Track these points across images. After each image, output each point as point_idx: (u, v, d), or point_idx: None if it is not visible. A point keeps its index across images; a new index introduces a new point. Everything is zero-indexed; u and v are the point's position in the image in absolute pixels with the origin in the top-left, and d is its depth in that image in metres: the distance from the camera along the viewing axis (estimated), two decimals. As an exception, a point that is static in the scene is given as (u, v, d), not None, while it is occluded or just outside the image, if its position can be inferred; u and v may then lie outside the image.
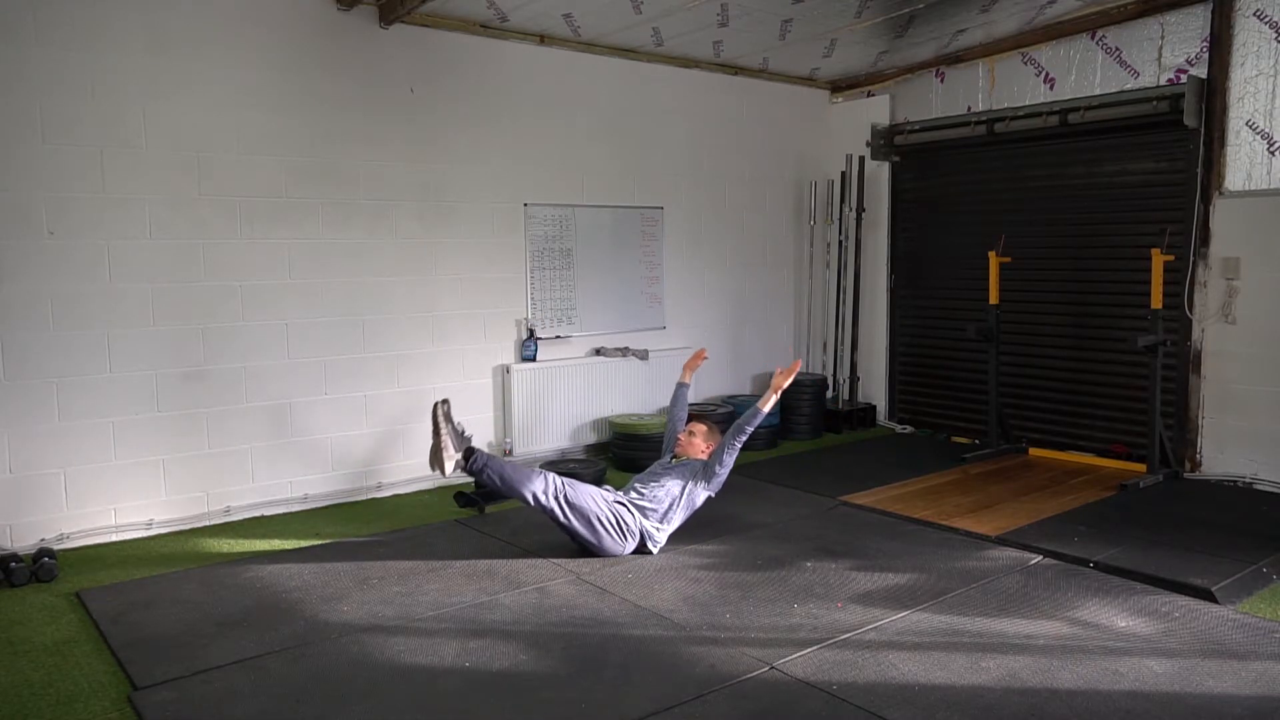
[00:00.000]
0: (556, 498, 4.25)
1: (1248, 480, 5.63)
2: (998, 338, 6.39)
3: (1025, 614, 3.71)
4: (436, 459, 4.28)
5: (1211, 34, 5.66)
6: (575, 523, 4.27)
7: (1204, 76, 5.70)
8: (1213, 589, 3.87)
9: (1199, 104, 5.70)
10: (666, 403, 6.73)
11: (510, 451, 6.09)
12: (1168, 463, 5.73)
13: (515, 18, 5.71)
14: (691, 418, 5.03)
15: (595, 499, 4.31)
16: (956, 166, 7.17)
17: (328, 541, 4.72)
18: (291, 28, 5.15)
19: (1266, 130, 5.51)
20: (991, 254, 6.37)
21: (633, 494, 4.46)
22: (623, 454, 6.20)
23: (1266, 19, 5.46)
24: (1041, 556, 4.38)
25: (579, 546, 4.40)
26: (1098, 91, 6.20)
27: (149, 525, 4.84)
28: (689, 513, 4.55)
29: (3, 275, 4.42)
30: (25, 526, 4.53)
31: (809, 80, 7.64)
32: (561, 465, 5.85)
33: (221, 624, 3.63)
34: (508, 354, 6.14)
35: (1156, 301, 5.57)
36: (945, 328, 7.26)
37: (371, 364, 5.56)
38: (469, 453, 4.31)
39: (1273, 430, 5.54)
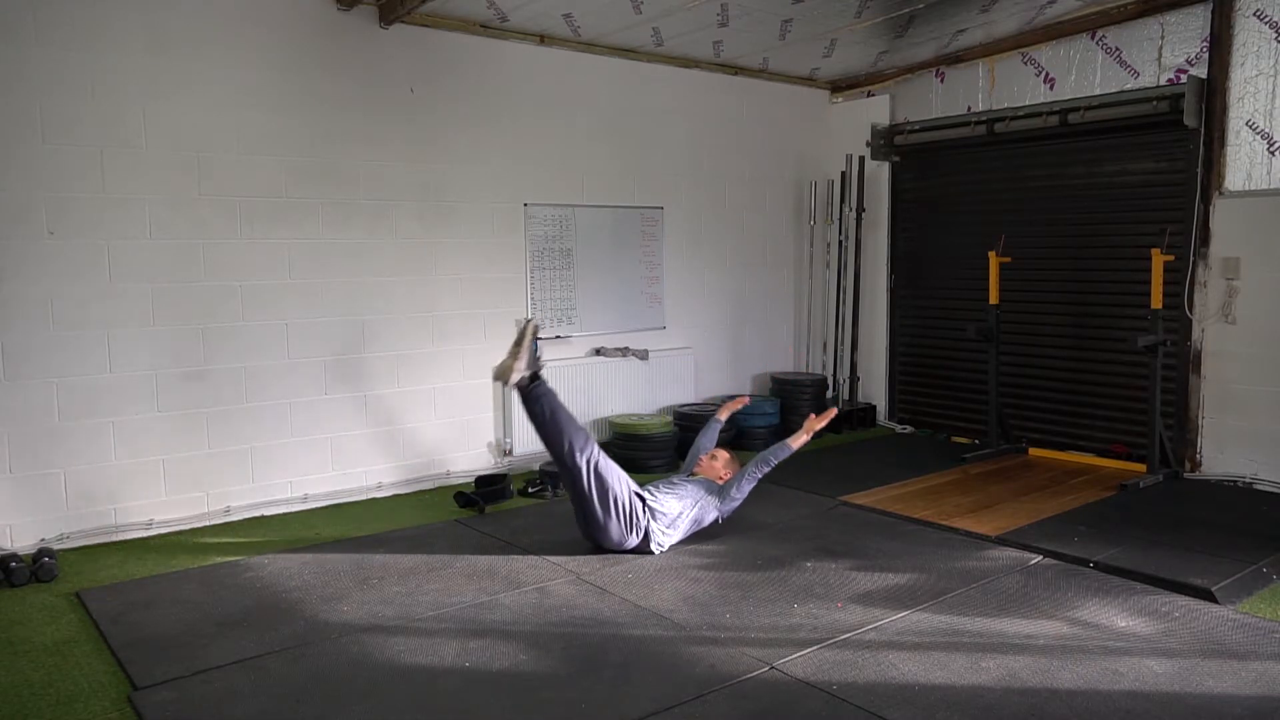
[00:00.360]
0: (589, 461, 4.26)
1: (1248, 480, 5.63)
2: (998, 338, 6.39)
3: (1025, 614, 3.71)
4: (505, 370, 4.30)
5: (1211, 34, 5.66)
6: (594, 495, 4.26)
7: (1204, 76, 5.70)
8: (1213, 589, 3.87)
9: (1199, 104, 5.70)
10: (667, 403, 6.79)
11: (510, 451, 6.10)
12: (1168, 463, 5.73)
13: (515, 18, 5.71)
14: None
15: (621, 481, 4.33)
16: (956, 166, 7.17)
17: (328, 541, 4.72)
18: (291, 28, 5.15)
19: (1266, 130, 5.51)
20: (991, 254, 6.37)
21: (648, 495, 4.48)
22: (623, 454, 6.18)
23: (1266, 19, 5.46)
24: (1041, 556, 4.38)
25: (580, 524, 4.40)
26: (1098, 91, 6.20)
27: (149, 525, 4.84)
28: (695, 528, 4.58)
29: (3, 275, 4.42)
30: (25, 526, 4.53)
31: (809, 80, 7.64)
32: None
33: (221, 624, 3.63)
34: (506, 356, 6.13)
35: (1156, 301, 5.57)
36: (945, 328, 7.26)
37: (371, 364, 5.56)
38: (535, 376, 4.35)
39: (1273, 430, 5.54)
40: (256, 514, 5.17)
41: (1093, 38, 6.22)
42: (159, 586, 4.06)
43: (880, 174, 7.55)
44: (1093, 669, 3.23)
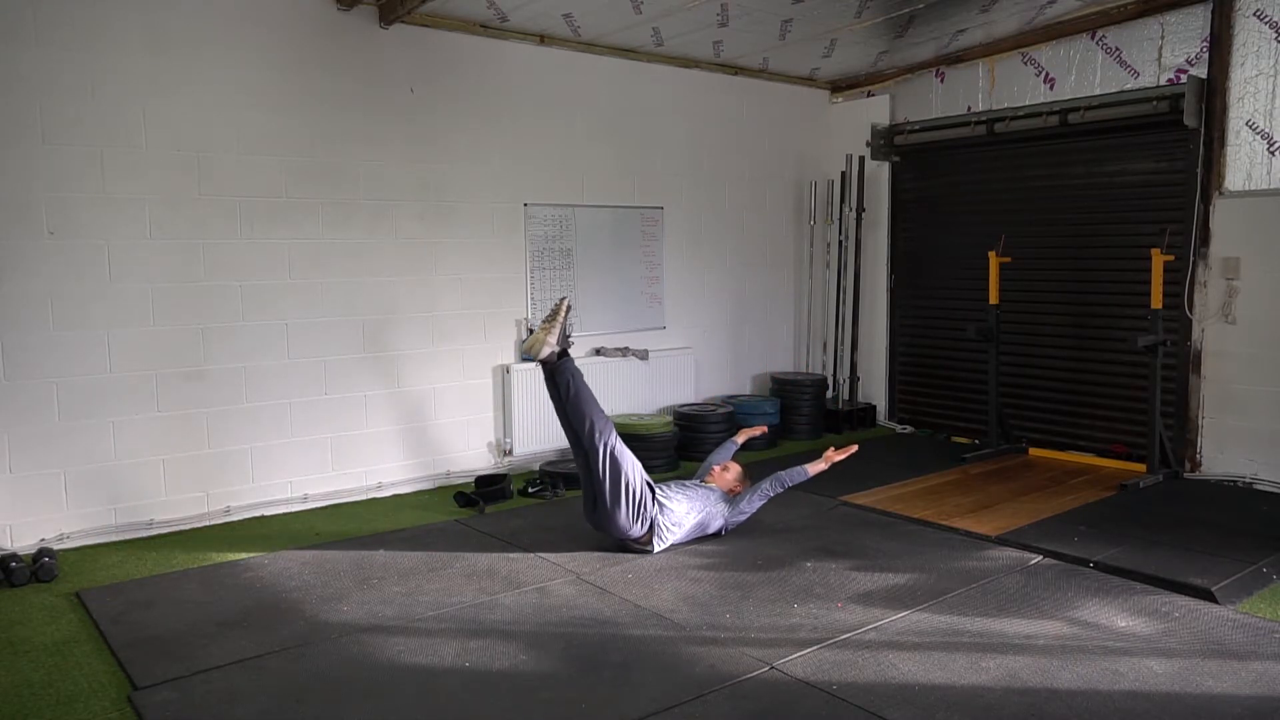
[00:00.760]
0: (607, 444, 4.28)
1: (1248, 480, 5.63)
2: (998, 338, 6.39)
3: (1025, 614, 3.71)
4: (536, 343, 4.33)
5: (1211, 34, 5.66)
6: (607, 478, 4.27)
7: (1204, 76, 5.70)
8: (1213, 589, 3.87)
9: (1199, 104, 5.70)
10: (667, 403, 6.80)
11: (510, 451, 6.10)
12: (1168, 463, 5.73)
13: (515, 18, 5.71)
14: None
15: (635, 468, 4.34)
16: (956, 166, 7.17)
17: (328, 541, 4.72)
18: (291, 28, 5.15)
19: (1266, 130, 5.51)
20: (991, 254, 6.37)
21: (660, 488, 4.49)
22: (623, 454, 6.19)
23: (1266, 19, 5.46)
24: (1041, 556, 4.38)
25: (587, 510, 4.41)
26: (1098, 91, 6.20)
27: (149, 525, 4.84)
28: (699, 532, 4.59)
29: (3, 275, 4.42)
30: (25, 526, 4.53)
31: (809, 80, 7.64)
32: (562, 465, 5.86)
33: (221, 624, 3.63)
34: (508, 354, 6.14)
35: (1156, 301, 5.57)
36: (945, 328, 7.26)
37: (371, 364, 5.56)
38: (564, 353, 4.38)
39: (1273, 430, 5.54)
40: (256, 514, 5.17)
41: (1093, 38, 6.22)
42: (159, 586, 4.06)
43: (880, 174, 7.55)
44: (1093, 669, 3.23)
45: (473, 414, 6.00)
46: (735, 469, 4.91)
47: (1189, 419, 5.87)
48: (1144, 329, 5.64)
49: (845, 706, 2.97)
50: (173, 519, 4.92)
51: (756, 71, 7.26)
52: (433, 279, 5.77)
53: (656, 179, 6.83)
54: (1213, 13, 5.64)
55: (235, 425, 5.10)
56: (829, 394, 7.61)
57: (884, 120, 7.43)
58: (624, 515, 4.32)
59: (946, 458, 6.36)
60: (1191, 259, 5.77)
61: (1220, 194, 5.70)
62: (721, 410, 6.64)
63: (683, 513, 4.46)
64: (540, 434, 6.22)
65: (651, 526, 4.38)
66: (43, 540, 4.55)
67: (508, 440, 6.11)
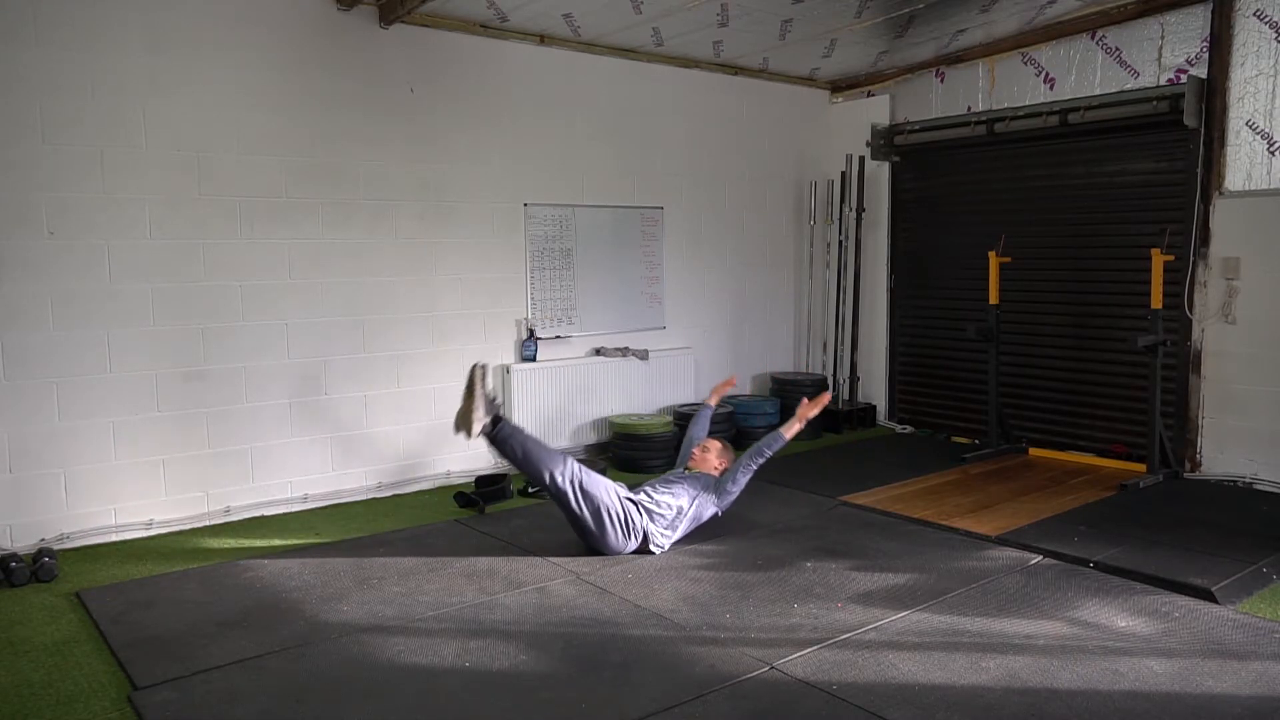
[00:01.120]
0: (573, 482, 4.25)
1: (1248, 480, 5.63)
2: (998, 338, 6.39)
3: (1025, 614, 3.71)
4: (465, 421, 4.25)
5: (1211, 34, 5.66)
6: (585, 511, 4.26)
7: (1204, 76, 5.70)
8: (1213, 589, 3.87)
9: (1199, 104, 5.70)
10: (667, 403, 6.78)
11: (510, 451, 6.09)
12: (1168, 463, 5.73)
13: (515, 18, 5.71)
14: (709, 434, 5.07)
15: (609, 491, 4.32)
16: (956, 166, 7.17)
17: (328, 541, 4.72)
18: (291, 28, 5.15)
19: (1266, 130, 5.51)
20: (991, 254, 6.37)
21: (643, 496, 4.47)
22: (623, 454, 6.20)
23: (1266, 19, 5.46)
24: (1041, 556, 4.38)
25: (579, 538, 4.40)
26: (1098, 91, 6.20)
27: (149, 525, 4.84)
28: (694, 525, 4.57)
29: (3, 275, 4.42)
30: (25, 526, 4.53)
31: (809, 80, 7.64)
32: (561, 465, 5.86)
33: (221, 624, 3.63)
34: (508, 354, 6.14)
35: (1156, 301, 5.57)
36: (945, 328, 7.26)
37: (371, 364, 5.56)
38: (497, 419, 4.31)
39: (1273, 430, 5.54)
40: (256, 514, 5.18)
41: (1093, 38, 6.22)
42: (159, 586, 4.06)
43: (880, 174, 7.55)
44: (1093, 669, 3.23)
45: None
46: (714, 446, 4.85)
47: (1189, 419, 5.87)
48: (1144, 329, 5.64)
49: (845, 706, 2.97)
50: (173, 519, 4.92)
51: (756, 71, 7.26)
52: (433, 279, 5.77)
53: (656, 179, 6.83)
54: (1213, 13, 5.64)
55: (235, 425, 5.10)
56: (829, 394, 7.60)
57: (884, 120, 7.43)
58: (614, 538, 4.33)
59: (946, 458, 6.36)
60: (1191, 259, 5.77)
61: (1220, 194, 5.70)
62: (721, 410, 6.63)
63: (672, 515, 4.45)
64: (540, 434, 6.20)
65: (645, 536, 4.38)
66: (43, 540, 4.55)
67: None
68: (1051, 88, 6.47)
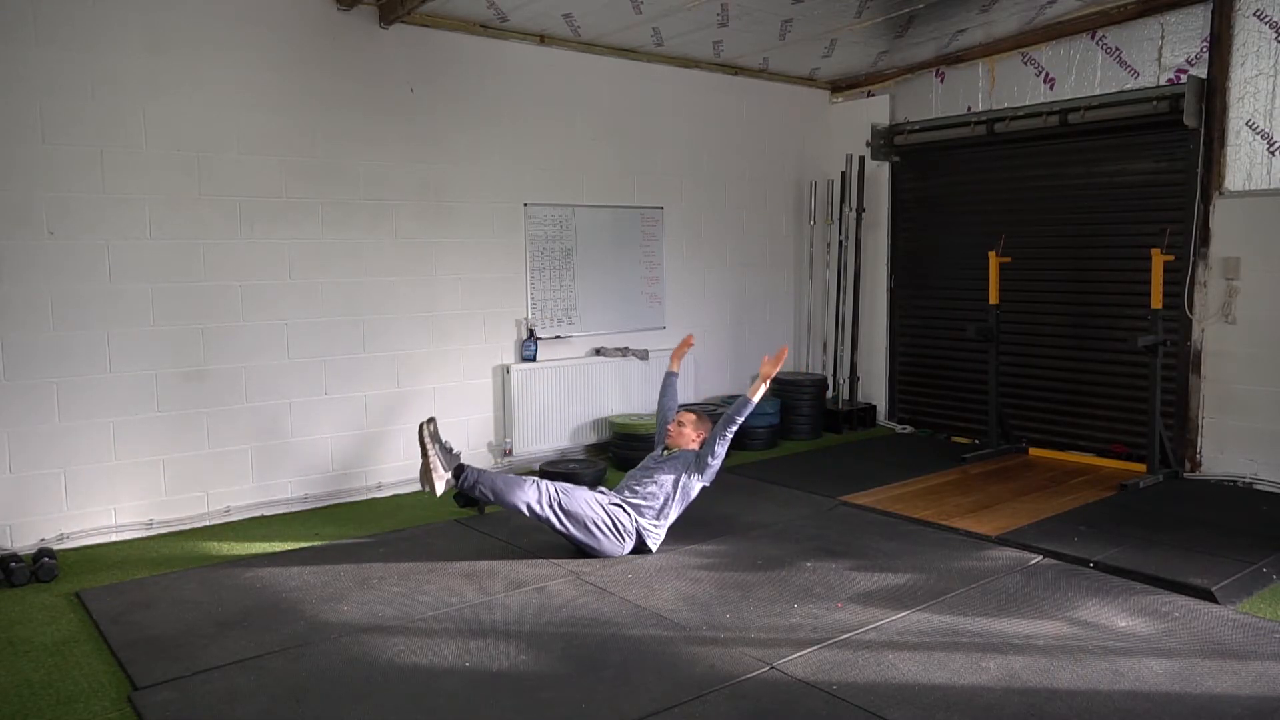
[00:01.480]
0: (551, 506, 4.24)
1: (1248, 480, 5.63)
2: (998, 338, 6.39)
3: (1025, 614, 3.71)
4: (426, 478, 4.26)
5: (1211, 34, 5.66)
6: (572, 529, 4.27)
7: (1204, 76, 5.70)
8: (1213, 589, 3.87)
9: (1199, 104, 5.70)
10: (666, 403, 6.77)
11: (510, 451, 6.10)
12: (1168, 463, 5.73)
13: (515, 18, 5.71)
14: (680, 408, 5.00)
15: (590, 504, 4.31)
16: (956, 166, 7.17)
17: (328, 541, 4.72)
18: (291, 28, 5.15)
19: (1266, 130, 5.51)
20: (991, 254, 6.37)
21: (626, 493, 4.46)
22: (623, 454, 6.19)
23: (1266, 19, 5.46)
24: (1041, 556, 4.38)
25: (576, 550, 4.40)
26: (1098, 91, 6.20)
27: (149, 525, 4.84)
28: (685, 504, 4.54)
29: (3, 275, 4.42)
30: (25, 526, 4.53)
31: (809, 80, 7.64)
32: (561, 465, 5.86)
33: (221, 624, 3.63)
34: (508, 354, 6.14)
35: (1156, 301, 5.57)
36: (945, 328, 7.26)
37: (371, 364, 5.56)
38: (459, 470, 4.30)
39: (1273, 430, 5.53)
40: (256, 514, 5.18)
41: (1093, 38, 6.22)
42: (159, 586, 4.06)
43: (880, 174, 7.55)
44: (1093, 669, 3.23)
45: (473, 414, 6.00)
46: (689, 419, 4.77)
47: (1189, 419, 5.87)
48: (1144, 329, 5.64)
49: (845, 706, 2.97)
50: (173, 519, 4.92)
51: (756, 71, 7.26)
52: (433, 279, 5.77)
53: (656, 179, 6.83)
54: (1213, 13, 5.64)
55: (235, 425, 5.10)
56: (829, 394, 7.61)
57: (884, 120, 7.43)
58: (608, 543, 4.33)
59: (946, 458, 6.36)
60: (1191, 259, 5.77)
61: (1220, 194, 5.70)
62: (721, 410, 6.62)
63: (660, 503, 4.43)
64: (540, 434, 6.22)
65: (639, 534, 4.38)
66: (43, 540, 4.55)
67: (508, 440, 6.11)
68: (1051, 88, 6.47)
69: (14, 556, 4.21)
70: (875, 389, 7.75)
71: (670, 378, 5.06)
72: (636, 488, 4.46)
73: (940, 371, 7.38)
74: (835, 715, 2.92)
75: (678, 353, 5.16)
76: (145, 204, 4.76)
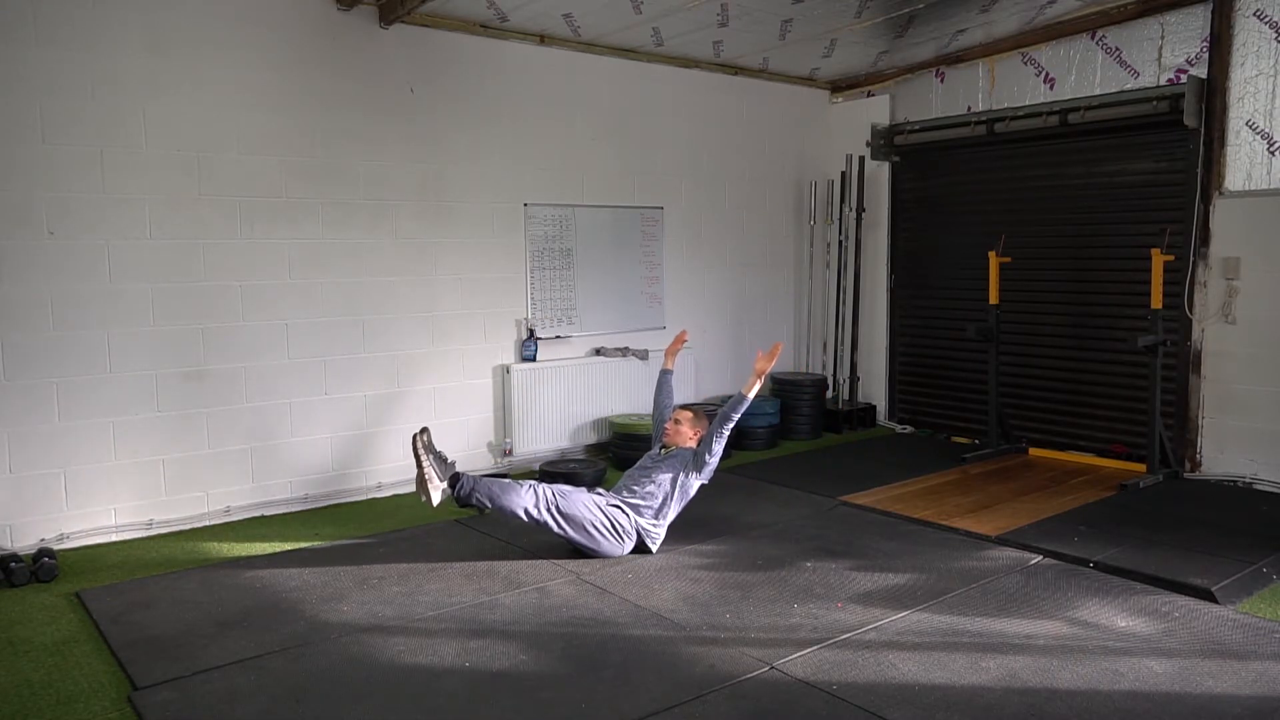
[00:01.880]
0: (549, 510, 4.24)
1: (1248, 480, 5.63)
2: (998, 338, 6.39)
3: (1025, 614, 3.71)
4: (422, 488, 4.24)
5: (1211, 34, 5.66)
6: (571, 532, 4.27)
7: (1204, 76, 5.70)
8: (1213, 589, 3.87)
9: (1199, 104, 5.70)
10: (666, 403, 6.77)
11: (510, 451, 6.10)
12: (1168, 463, 5.73)
13: (515, 18, 5.71)
14: (677, 406, 5.00)
15: (588, 506, 4.31)
16: (956, 166, 7.17)
17: (328, 541, 4.72)
18: (291, 28, 5.15)
19: (1266, 130, 5.51)
20: (991, 254, 6.37)
21: (624, 493, 4.46)
22: (623, 454, 6.19)
23: (1266, 19, 5.46)
24: (1041, 556, 4.38)
25: (577, 551, 4.40)
26: (1098, 91, 6.20)
27: (149, 525, 4.84)
28: (684, 503, 4.54)
29: (3, 275, 4.42)
30: (25, 526, 4.53)
31: (809, 80, 7.64)
32: (561, 465, 5.86)
33: (221, 624, 3.63)
34: (508, 354, 6.14)
35: (1156, 301, 5.57)
36: (945, 328, 7.26)
37: (371, 364, 5.56)
38: (455, 479, 4.28)
39: (1273, 430, 5.53)
40: (256, 514, 5.18)
41: (1093, 38, 6.22)
42: (159, 586, 4.06)
43: (880, 174, 7.55)
44: (1093, 669, 3.23)
45: (473, 414, 6.00)
46: (685, 417, 4.77)
47: (1189, 419, 5.87)
48: (1144, 329, 5.64)
49: (845, 706, 2.97)
50: (173, 519, 4.92)
51: (756, 71, 7.26)
52: (433, 279, 5.77)
53: (656, 179, 6.83)
54: (1213, 13, 5.64)
55: (235, 425, 5.10)
56: (829, 394, 7.61)
57: (884, 120, 7.43)
58: (608, 544, 4.33)
59: (946, 458, 6.36)
60: (1191, 259, 5.77)
61: (1220, 194, 5.70)
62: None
63: (658, 503, 4.43)
64: (540, 434, 6.22)
65: (638, 533, 4.38)
66: (43, 540, 4.55)
67: (508, 440, 6.11)
68: (1051, 88, 6.47)
69: (14, 556, 4.22)
70: (875, 389, 7.75)
71: (665, 375, 5.05)
72: (635, 488, 4.46)
73: (940, 371, 7.38)
74: (835, 715, 2.92)
75: (671, 349, 5.14)
76: (145, 204, 4.76)
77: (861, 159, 7.42)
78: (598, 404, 6.49)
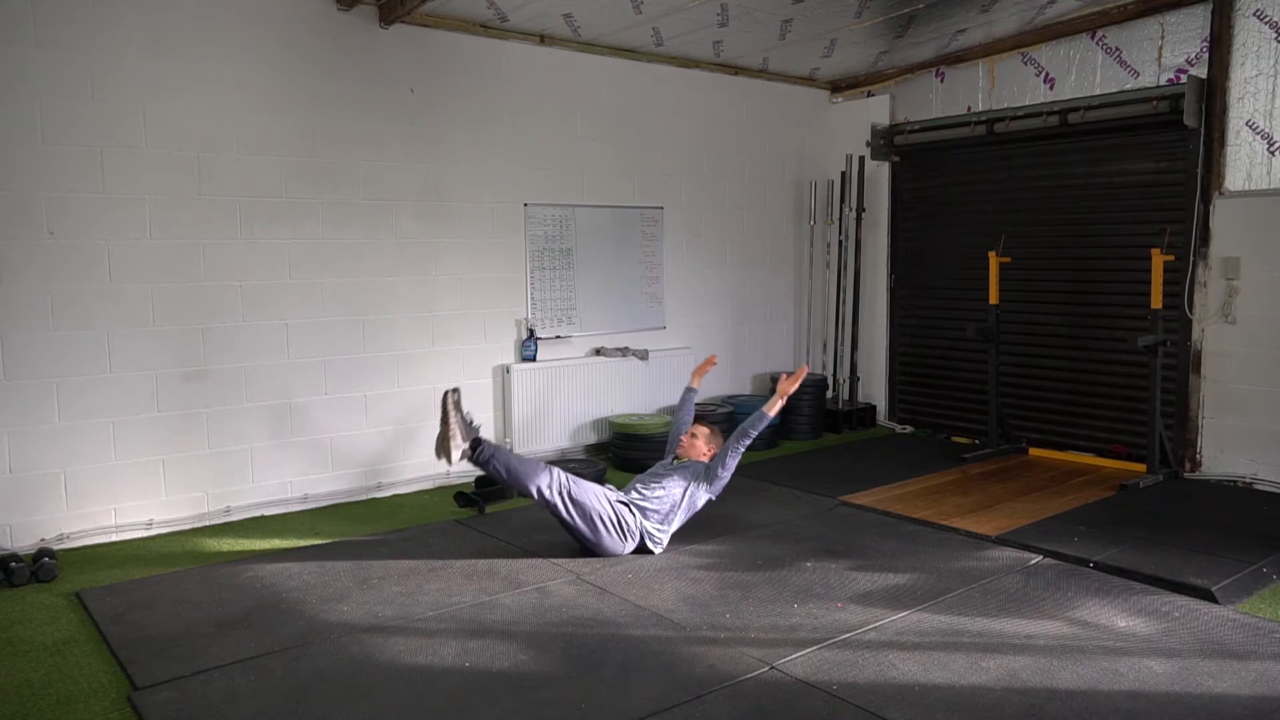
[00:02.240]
0: (561, 493, 4.25)
1: (1248, 480, 5.63)
2: (998, 338, 6.38)
3: (1025, 614, 3.71)
4: (444, 448, 4.24)
5: (1211, 34, 5.66)
6: (578, 520, 4.27)
7: (1204, 76, 5.70)
8: (1213, 589, 3.87)
9: (1199, 104, 5.70)
10: (667, 403, 6.77)
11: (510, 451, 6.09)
12: (1168, 463, 5.73)
13: (515, 18, 5.71)
14: (695, 420, 5.03)
15: (599, 497, 4.31)
16: (956, 166, 7.17)
17: (328, 541, 4.72)
18: (291, 28, 5.15)
19: (1266, 130, 5.51)
20: (991, 254, 6.37)
21: (634, 494, 4.46)
22: (623, 454, 6.20)
23: (1266, 19, 5.46)
24: (1041, 556, 4.38)
25: (578, 544, 4.40)
26: (1098, 91, 6.20)
27: (149, 525, 4.85)
28: (690, 514, 4.56)
29: (3, 275, 4.42)
30: (25, 526, 4.53)
31: (809, 80, 7.64)
32: (561, 465, 5.85)
33: (221, 624, 3.63)
34: (508, 354, 6.14)
35: (1156, 301, 5.57)
36: (945, 328, 7.26)
37: (371, 364, 5.56)
38: (476, 443, 4.29)
39: (1273, 430, 5.54)
40: (256, 514, 5.18)
41: (1093, 38, 6.22)
42: (159, 586, 4.06)
43: (880, 174, 7.55)
44: (1093, 669, 3.23)
45: (473, 414, 5.99)
46: (702, 432, 4.81)
47: (1189, 419, 5.87)
48: (1144, 329, 5.64)
49: (845, 706, 2.97)
50: (173, 519, 4.92)
51: (756, 71, 7.26)
52: (433, 279, 5.77)
53: (656, 179, 6.83)
54: (1213, 13, 5.64)
55: (235, 425, 5.10)
56: (829, 394, 7.61)
57: (884, 120, 7.43)
58: (611, 540, 4.33)
59: (946, 458, 6.36)
60: (1191, 259, 5.77)
61: (1220, 194, 5.70)
62: (721, 410, 6.63)
63: (666, 509, 4.44)
64: (540, 434, 6.22)
65: (642, 535, 4.38)
66: (43, 540, 4.55)
67: (508, 440, 6.11)
68: (1051, 88, 6.47)
69: (14, 556, 4.21)
70: (875, 389, 7.75)
71: (689, 393, 5.12)
72: (645, 491, 4.47)
73: (940, 371, 7.38)
74: (835, 715, 2.92)
75: (699, 370, 5.23)
76: (145, 204, 4.76)
77: (861, 159, 7.42)
78: (598, 404, 6.49)
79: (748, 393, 7.53)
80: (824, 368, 7.82)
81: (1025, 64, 6.61)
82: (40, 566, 4.15)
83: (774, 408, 4.56)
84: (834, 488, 5.57)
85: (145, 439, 4.83)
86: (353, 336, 5.48)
